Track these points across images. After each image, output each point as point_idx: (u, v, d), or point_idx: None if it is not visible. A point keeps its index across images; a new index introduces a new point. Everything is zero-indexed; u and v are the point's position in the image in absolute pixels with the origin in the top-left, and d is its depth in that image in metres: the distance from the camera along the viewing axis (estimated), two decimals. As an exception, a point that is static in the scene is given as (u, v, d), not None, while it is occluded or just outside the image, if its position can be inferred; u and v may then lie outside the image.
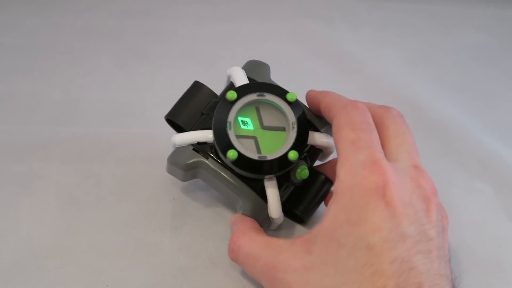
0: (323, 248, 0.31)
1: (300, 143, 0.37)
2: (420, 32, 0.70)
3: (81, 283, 0.37)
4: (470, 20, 0.73)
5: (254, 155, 0.37)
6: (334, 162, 0.40)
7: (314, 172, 0.40)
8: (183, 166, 0.39)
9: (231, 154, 0.36)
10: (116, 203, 0.43)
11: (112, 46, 0.62)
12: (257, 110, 0.39)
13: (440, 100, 0.58)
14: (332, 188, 0.40)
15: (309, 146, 0.40)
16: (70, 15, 0.67)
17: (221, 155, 0.37)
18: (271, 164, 0.37)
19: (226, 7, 0.71)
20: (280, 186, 0.38)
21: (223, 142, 0.37)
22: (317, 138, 0.39)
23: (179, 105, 0.41)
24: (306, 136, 0.38)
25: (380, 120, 0.35)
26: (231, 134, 0.37)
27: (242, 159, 0.36)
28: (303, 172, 0.38)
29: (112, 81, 0.57)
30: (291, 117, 0.38)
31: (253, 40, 0.65)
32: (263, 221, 0.38)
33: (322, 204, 0.42)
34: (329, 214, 0.32)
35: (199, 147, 0.39)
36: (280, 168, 0.37)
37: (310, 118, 0.40)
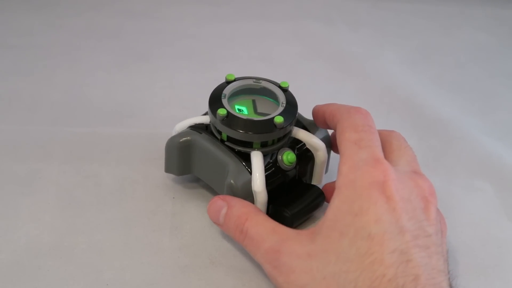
0: (326, 237, 0.32)
1: (287, 114, 0.39)
2: (420, 32, 0.70)
3: (81, 283, 0.37)
4: (470, 20, 0.73)
5: (242, 116, 0.39)
6: (330, 185, 0.42)
7: (309, 185, 0.42)
8: (178, 143, 0.41)
9: (221, 112, 0.38)
10: (116, 203, 0.43)
11: (112, 46, 0.62)
12: (253, 101, 0.41)
13: (440, 100, 0.58)
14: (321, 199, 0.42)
15: (304, 148, 0.41)
16: (70, 15, 0.67)
17: (211, 116, 0.39)
18: (257, 125, 0.38)
19: (226, 7, 0.71)
20: (271, 176, 0.39)
21: (215, 105, 0.39)
22: (306, 135, 0.41)
23: None
24: (293, 112, 0.40)
25: (384, 138, 0.37)
26: (224, 101, 0.40)
27: (231, 118, 0.39)
28: (289, 156, 0.40)
29: (112, 81, 0.57)
30: (282, 98, 0.41)
31: (253, 40, 0.66)
32: (249, 200, 0.39)
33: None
34: (332, 206, 0.33)
35: (195, 127, 0.42)
36: (265, 129, 0.38)
37: (302, 121, 0.43)
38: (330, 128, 0.40)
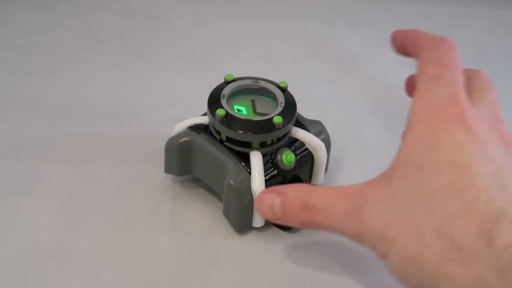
0: (404, 176, 0.29)
1: (286, 114, 0.39)
2: (420, 32, 0.70)
3: (81, 283, 0.37)
4: (470, 20, 0.73)
5: (241, 117, 0.39)
6: (413, 77, 0.37)
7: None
8: (177, 143, 0.41)
9: (220, 112, 0.39)
10: (116, 203, 0.43)
11: (112, 46, 0.62)
12: (252, 101, 0.41)
13: (440, 100, 0.58)
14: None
15: (303, 148, 0.41)
16: (70, 15, 0.67)
17: (210, 117, 0.40)
18: (256, 125, 0.39)
19: (226, 7, 0.71)
20: (270, 176, 0.39)
21: (214, 105, 0.39)
22: (305, 135, 0.41)
23: None
24: (292, 112, 0.40)
25: (468, 77, 0.34)
26: (223, 102, 0.40)
27: (230, 118, 0.39)
28: (289, 156, 0.40)
29: (112, 81, 0.57)
30: (281, 98, 0.41)
31: (253, 40, 0.65)
32: (248, 200, 0.39)
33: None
34: (405, 144, 0.30)
35: (194, 128, 0.42)
36: (264, 129, 0.39)
37: (301, 120, 0.42)
38: (408, 56, 0.36)
